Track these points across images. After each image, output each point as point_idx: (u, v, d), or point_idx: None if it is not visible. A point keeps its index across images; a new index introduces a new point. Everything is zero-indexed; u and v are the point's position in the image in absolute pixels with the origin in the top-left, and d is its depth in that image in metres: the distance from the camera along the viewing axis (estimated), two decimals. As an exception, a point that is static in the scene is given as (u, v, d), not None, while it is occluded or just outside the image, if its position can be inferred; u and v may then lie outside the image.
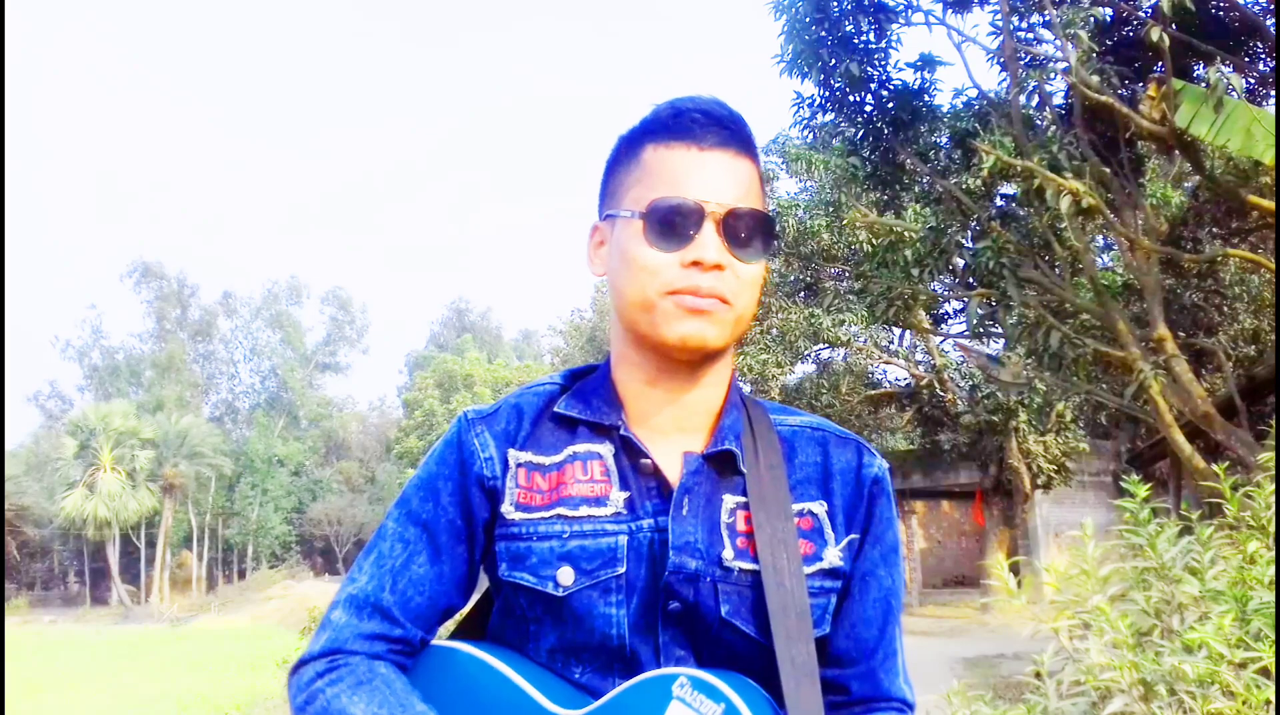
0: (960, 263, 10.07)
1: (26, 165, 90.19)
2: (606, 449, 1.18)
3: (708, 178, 1.14)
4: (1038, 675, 3.65)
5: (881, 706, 1.19)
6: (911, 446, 25.31)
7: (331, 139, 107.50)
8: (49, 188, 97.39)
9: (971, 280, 9.74)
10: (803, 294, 21.14)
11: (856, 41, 9.39)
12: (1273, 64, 9.24)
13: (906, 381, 23.34)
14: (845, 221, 15.52)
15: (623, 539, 1.14)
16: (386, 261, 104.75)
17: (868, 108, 9.83)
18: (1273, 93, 9.30)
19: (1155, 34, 6.79)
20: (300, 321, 60.84)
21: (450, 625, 1.28)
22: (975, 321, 11.04)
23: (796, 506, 1.17)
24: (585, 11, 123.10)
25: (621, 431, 1.17)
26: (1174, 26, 7.36)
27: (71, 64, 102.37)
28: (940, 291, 13.66)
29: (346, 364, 62.26)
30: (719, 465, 1.17)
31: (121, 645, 26.15)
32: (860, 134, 10.15)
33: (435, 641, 1.21)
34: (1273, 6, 9.00)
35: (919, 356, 23.25)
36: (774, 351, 20.79)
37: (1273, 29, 8.97)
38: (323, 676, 1.12)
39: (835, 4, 9.22)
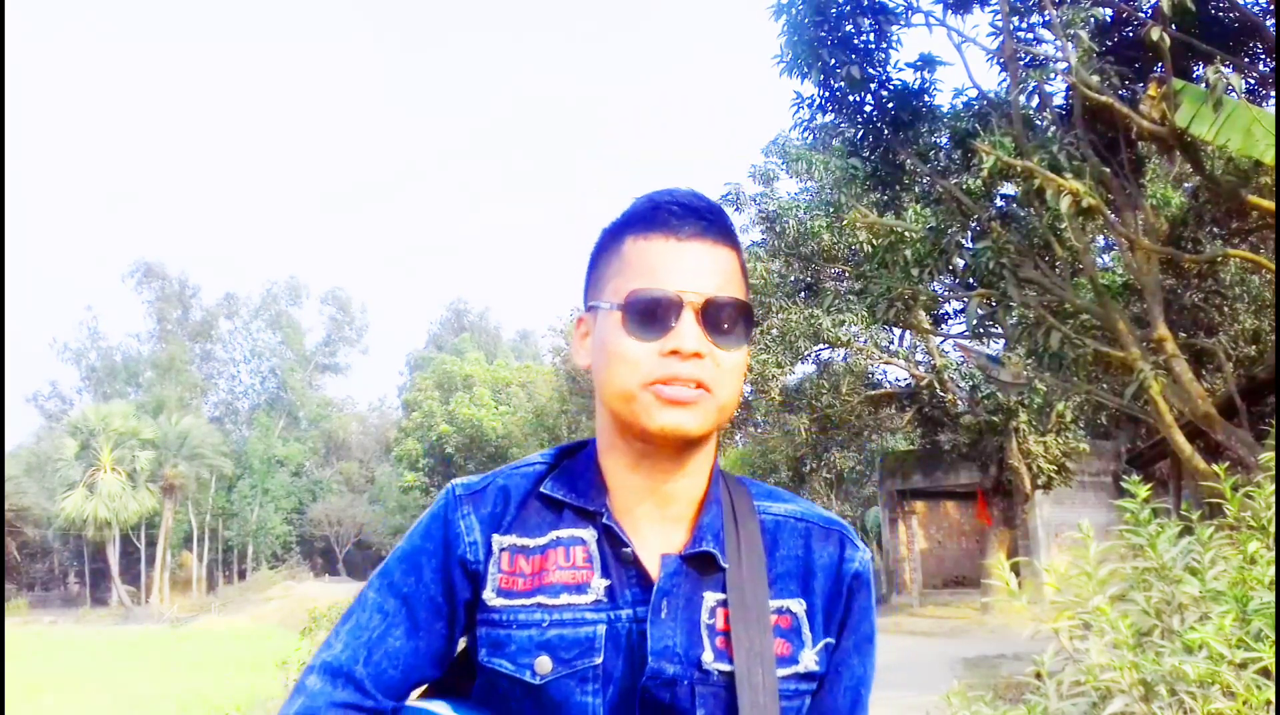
0: (960, 263, 10.06)
1: (25, 165, 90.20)
2: (590, 534, 1.19)
3: (686, 268, 1.16)
4: (1038, 676, 3.65)
5: None
6: (912, 447, 25.30)
7: (331, 139, 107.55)
8: (46, 188, 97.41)
9: (971, 280, 9.73)
10: (803, 294, 21.13)
11: (856, 42, 9.40)
12: (1272, 64, 9.24)
13: (907, 382, 23.33)
14: (845, 222, 15.51)
15: (601, 628, 1.16)
16: (385, 261, 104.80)
17: (868, 108, 9.83)
18: (1272, 93, 9.31)
19: (1155, 34, 6.80)
20: (300, 322, 60.85)
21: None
22: (975, 322, 11.04)
23: (775, 604, 1.19)
24: (584, 12, 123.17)
25: (604, 519, 1.19)
26: (1174, 27, 7.36)
27: (71, 63, 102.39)
28: (940, 292, 13.65)
29: (346, 364, 62.29)
30: (699, 564, 1.19)
31: (122, 646, 26.14)
32: (860, 134, 10.16)
33: (411, 703, 1.22)
34: (1272, 6, 9.00)
35: (919, 357, 23.23)
36: (774, 351, 20.78)
37: (1272, 29, 8.97)
38: None
39: (835, 5, 9.23)
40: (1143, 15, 8.97)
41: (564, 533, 1.19)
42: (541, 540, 1.19)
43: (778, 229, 20.70)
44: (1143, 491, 3.80)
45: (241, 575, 50.50)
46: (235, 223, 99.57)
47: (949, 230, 9.62)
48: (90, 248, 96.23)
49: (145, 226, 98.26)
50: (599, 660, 1.15)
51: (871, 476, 27.80)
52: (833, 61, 9.28)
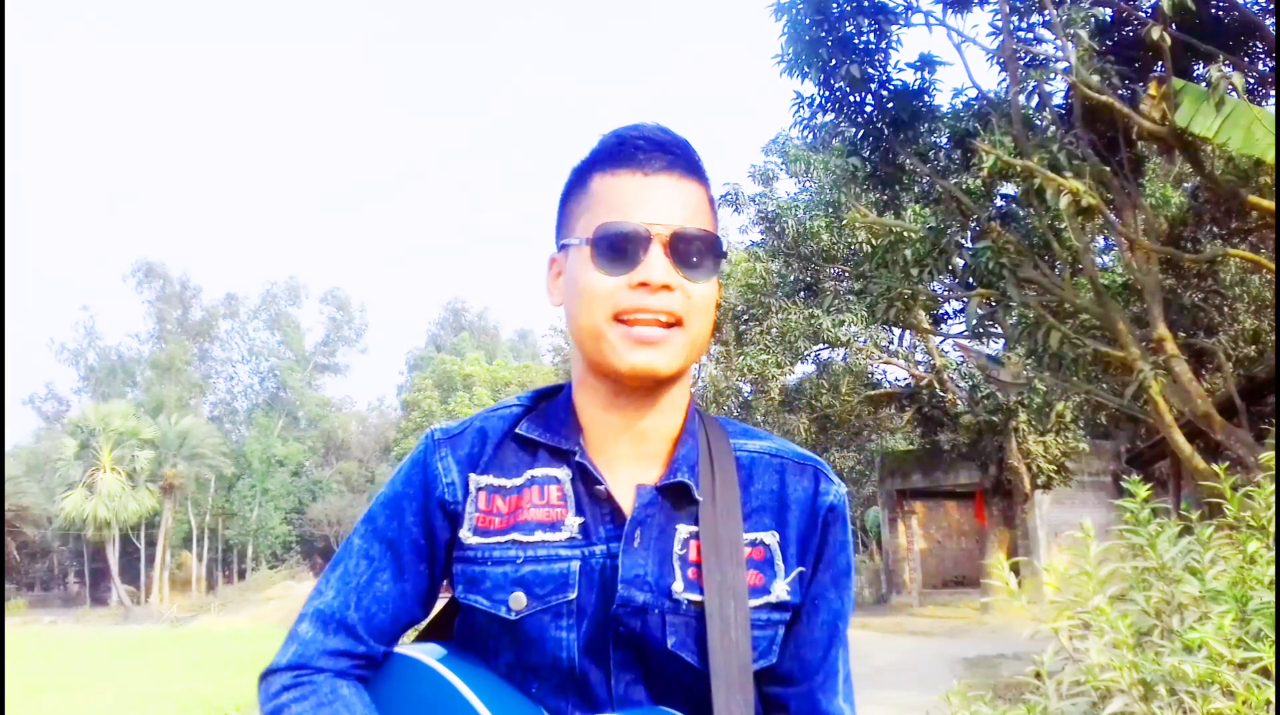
0: (960, 263, 10.06)
1: (25, 165, 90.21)
2: (564, 473, 1.20)
3: (653, 201, 1.16)
4: (1038, 675, 3.65)
5: None
6: (911, 447, 25.29)
7: (331, 139, 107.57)
8: (46, 188, 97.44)
9: (971, 280, 9.73)
10: (803, 294, 21.13)
11: (857, 42, 9.40)
12: (1272, 64, 9.24)
13: (906, 382, 23.33)
14: (845, 222, 15.50)
15: (575, 564, 1.16)
16: (385, 261, 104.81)
17: (868, 108, 9.83)
18: (1272, 93, 9.31)
19: (1155, 33, 6.80)
20: (299, 322, 60.86)
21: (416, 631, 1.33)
22: (975, 322, 11.04)
23: (749, 536, 1.19)
24: (584, 12, 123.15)
25: (578, 457, 1.19)
26: (1174, 26, 7.36)
27: (71, 63, 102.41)
28: (940, 292, 13.64)
29: (345, 364, 62.27)
30: (673, 496, 1.19)
31: (121, 646, 26.12)
32: (860, 134, 10.16)
33: (399, 648, 1.24)
34: (1272, 6, 9.00)
35: (919, 357, 23.24)
36: (774, 351, 20.78)
37: (1272, 29, 8.97)
38: (289, 690, 1.17)
39: (835, 5, 9.23)
40: (1143, 15, 8.97)
41: (539, 472, 1.20)
42: (518, 480, 1.21)
43: (777, 229, 20.70)
44: (1142, 491, 3.80)
45: (241, 575, 50.48)
46: (235, 223, 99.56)
47: (949, 230, 9.62)
48: (90, 248, 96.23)
49: (145, 226, 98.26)
50: (573, 595, 1.16)
51: (871, 476, 27.81)
52: (833, 61, 9.28)
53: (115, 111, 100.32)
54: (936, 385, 21.57)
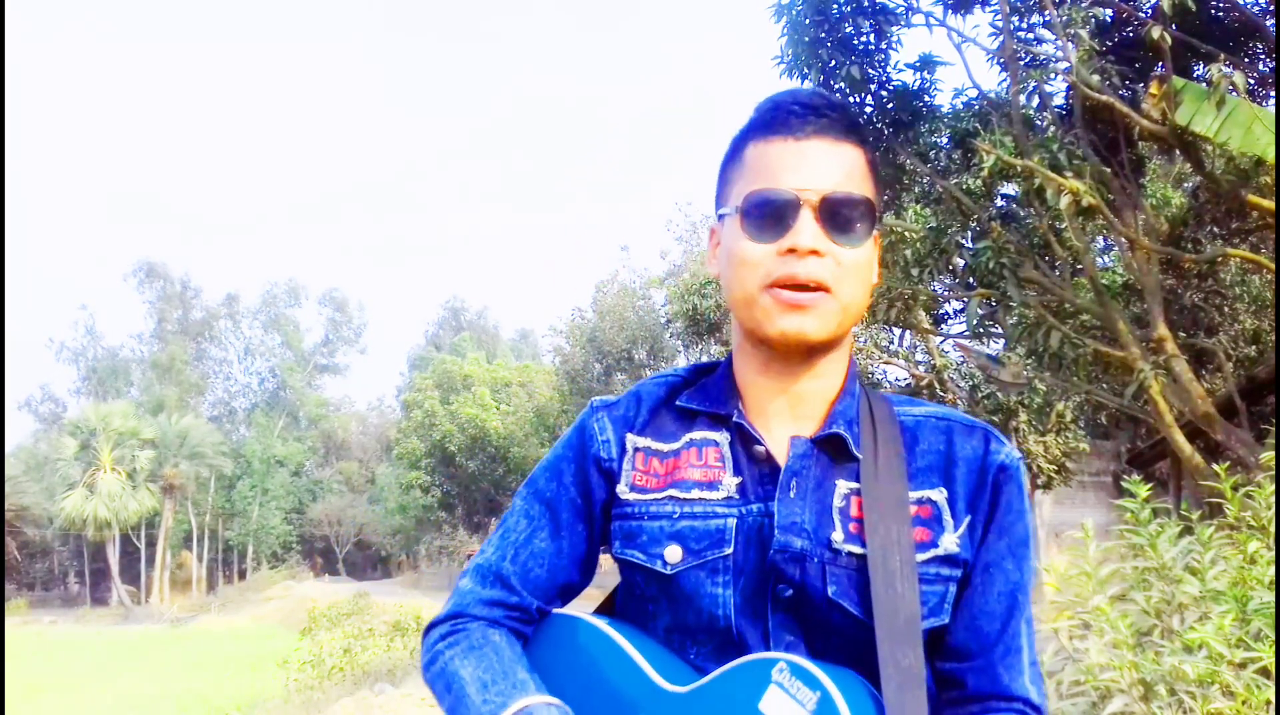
0: (960, 263, 10.05)
1: (24, 165, 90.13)
2: (723, 437, 1.20)
3: (804, 167, 1.14)
4: (1038, 675, 3.63)
5: (1000, 706, 1.15)
6: (912, 447, 25.26)
7: (330, 139, 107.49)
8: (45, 188, 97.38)
9: (971, 280, 9.73)
10: (803, 294, 21.10)
11: (857, 43, 9.39)
12: (1273, 64, 9.24)
13: (906, 382, 23.29)
14: (845, 222, 15.47)
15: (732, 521, 1.15)
16: (384, 261, 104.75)
17: (868, 108, 9.82)
18: (1272, 93, 9.30)
19: (1156, 33, 6.79)
20: (299, 322, 60.85)
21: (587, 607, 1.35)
22: (975, 322, 11.01)
23: (915, 494, 1.16)
24: (584, 11, 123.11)
25: (736, 419, 1.19)
26: (1174, 26, 7.35)
27: (71, 63, 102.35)
28: (940, 292, 13.63)
29: (345, 364, 62.30)
30: (831, 450, 1.18)
31: (121, 646, 26.12)
32: (860, 134, 10.13)
33: (561, 611, 1.27)
34: (1273, 7, 9.00)
35: (919, 357, 23.22)
36: (774, 352, 20.76)
37: (1273, 29, 8.97)
38: (444, 639, 1.22)
39: (835, 6, 9.22)
40: (1143, 15, 8.96)
41: (697, 435, 1.21)
42: (675, 444, 1.22)
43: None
44: (1143, 491, 3.80)
45: (241, 575, 50.50)
46: (235, 223, 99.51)
47: (949, 230, 9.61)
48: (89, 248, 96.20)
49: (145, 227, 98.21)
50: (729, 551, 1.15)
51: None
52: (833, 62, 9.27)
53: (115, 111, 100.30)
54: (937, 385, 21.55)
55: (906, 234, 10.15)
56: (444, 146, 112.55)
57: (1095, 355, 8.73)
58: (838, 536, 1.13)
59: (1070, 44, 7.83)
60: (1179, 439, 8.34)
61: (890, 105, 9.73)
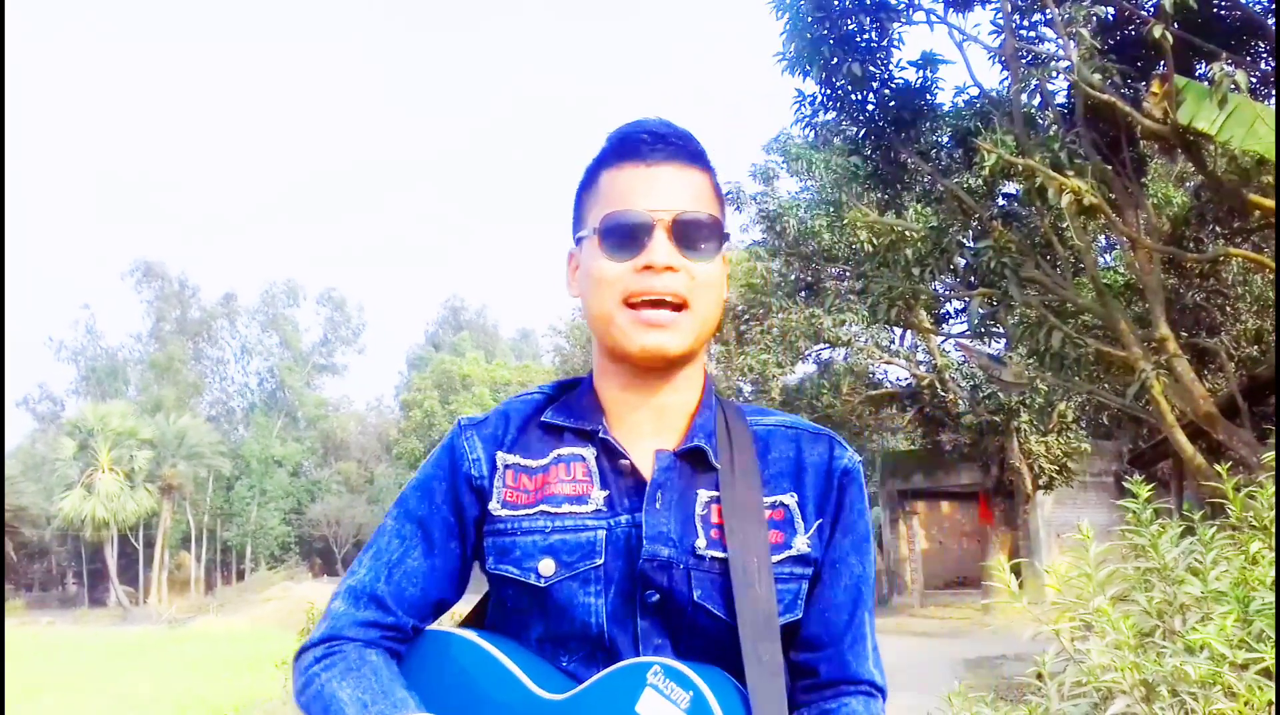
0: (962, 262, 10.04)
1: (24, 165, 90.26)
2: (589, 452, 1.26)
3: (655, 190, 1.22)
4: (1039, 676, 3.62)
5: (849, 690, 1.24)
6: (913, 447, 25.27)
7: (330, 139, 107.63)
8: (44, 188, 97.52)
9: (973, 280, 9.71)
10: (803, 294, 21.11)
11: (858, 40, 9.38)
12: (1273, 63, 9.21)
13: (908, 382, 23.31)
14: (846, 221, 15.48)
15: (601, 533, 1.21)
16: (383, 261, 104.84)
17: (869, 106, 9.80)
18: (1273, 91, 9.27)
19: (1158, 32, 6.78)
20: (297, 322, 60.91)
21: (454, 621, 1.37)
22: (977, 321, 10.99)
23: (769, 499, 1.24)
24: (584, 11, 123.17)
25: (601, 435, 1.25)
26: (1176, 25, 7.33)
27: (72, 63, 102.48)
28: (941, 291, 13.63)
29: (343, 365, 62.33)
30: (692, 461, 1.24)
31: (120, 646, 26.11)
32: (862, 133, 10.13)
33: (434, 627, 1.29)
34: (1273, 6, 8.97)
35: (920, 356, 23.22)
36: (775, 351, 20.77)
37: (1274, 27, 8.95)
38: (319, 662, 1.22)
39: (837, 3, 9.20)
40: (1145, 13, 8.94)
41: (564, 451, 1.26)
42: (543, 460, 1.26)
43: (778, 228, 20.68)
44: (1144, 491, 3.78)
45: (240, 576, 50.48)
46: (234, 222, 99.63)
47: (950, 229, 9.60)
48: (88, 248, 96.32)
49: (145, 226, 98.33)
50: (600, 562, 1.20)
51: (872, 477, 27.75)
52: (834, 59, 9.26)
53: (115, 110, 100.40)
54: (938, 385, 21.54)
55: (907, 233, 10.14)
56: (444, 146, 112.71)
57: (1097, 355, 8.71)
58: (701, 543, 1.20)
59: (1072, 42, 7.82)
60: (1181, 439, 8.32)
61: (892, 103, 9.71)
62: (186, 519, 47.20)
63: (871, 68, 9.47)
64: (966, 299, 10.73)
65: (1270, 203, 7.80)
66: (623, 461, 1.23)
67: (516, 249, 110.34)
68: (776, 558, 1.21)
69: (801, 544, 1.23)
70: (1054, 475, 20.34)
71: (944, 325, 18.60)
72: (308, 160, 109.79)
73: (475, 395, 39.99)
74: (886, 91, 9.71)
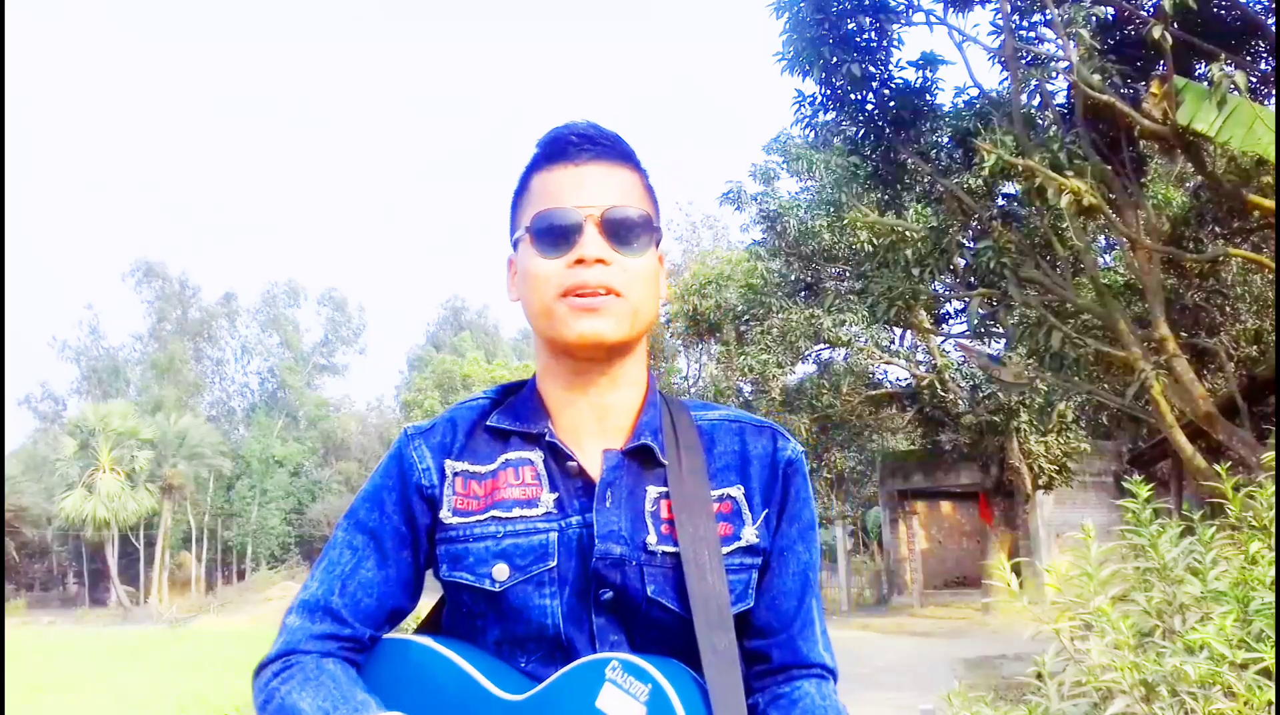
0: (961, 262, 10.05)
1: (23, 165, 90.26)
2: (536, 455, 1.27)
3: (585, 188, 1.24)
4: (1039, 676, 3.63)
5: (801, 673, 1.27)
6: (912, 447, 25.25)
7: (330, 139, 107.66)
8: (40, 188, 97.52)
9: (973, 280, 9.72)
10: (803, 294, 21.11)
11: (858, 40, 9.38)
12: (1273, 63, 9.22)
13: (907, 382, 23.29)
14: (846, 221, 15.49)
15: (553, 535, 1.22)
16: (383, 260, 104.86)
17: (869, 106, 9.81)
18: (1273, 92, 9.28)
19: (1157, 32, 6.78)
20: (298, 322, 60.89)
21: (411, 625, 1.37)
22: (976, 321, 11.01)
23: (716, 492, 1.26)
24: (585, 11, 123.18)
25: (547, 437, 1.26)
26: (1175, 25, 7.33)
27: (70, 63, 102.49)
28: (941, 291, 13.63)
29: (344, 365, 62.29)
30: (640, 459, 1.26)
31: (120, 646, 26.12)
32: (861, 133, 10.13)
33: (391, 635, 1.29)
34: (1273, 6, 8.98)
35: (920, 357, 23.21)
36: (774, 351, 20.76)
37: (1273, 28, 8.95)
38: (277, 676, 1.22)
39: (836, 3, 9.21)
40: (1144, 14, 8.94)
41: (512, 456, 1.27)
42: (491, 466, 1.27)
43: (778, 228, 20.67)
44: (1144, 491, 3.79)
45: (240, 575, 50.46)
46: (234, 222, 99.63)
47: (950, 229, 9.60)
48: (88, 247, 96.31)
49: (145, 226, 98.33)
50: (553, 564, 1.21)
51: (872, 476, 27.77)
52: (834, 60, 9.26)
53: (115, 111, 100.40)
54: (938, 385, 21.54)
55: (907, 233, 10.14)
56: (444, 145, 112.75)
57: (1096, 355, 8.72)
58: (651, 539, 1.22)
59: (1071, 43, 7.82)
60: (1180, 439, 8.33)
61: (892, 103, 9.72)
62: (187, 519, 47.17)
63: (871, 68, 9.47)
64: (966, 299, 10.74)
65: (1270, 203, 7.81)
66: (570, 463, 1.24)
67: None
68: (726, 549, 1.23)
69: (750, 535, 1.25)
70: (1054, 475, 20.33)
71: (944, 325, 18.61)
72: (308, 160, 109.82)
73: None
74: (886, 92, 9.71)
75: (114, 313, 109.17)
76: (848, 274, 19.32)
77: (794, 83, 9.93)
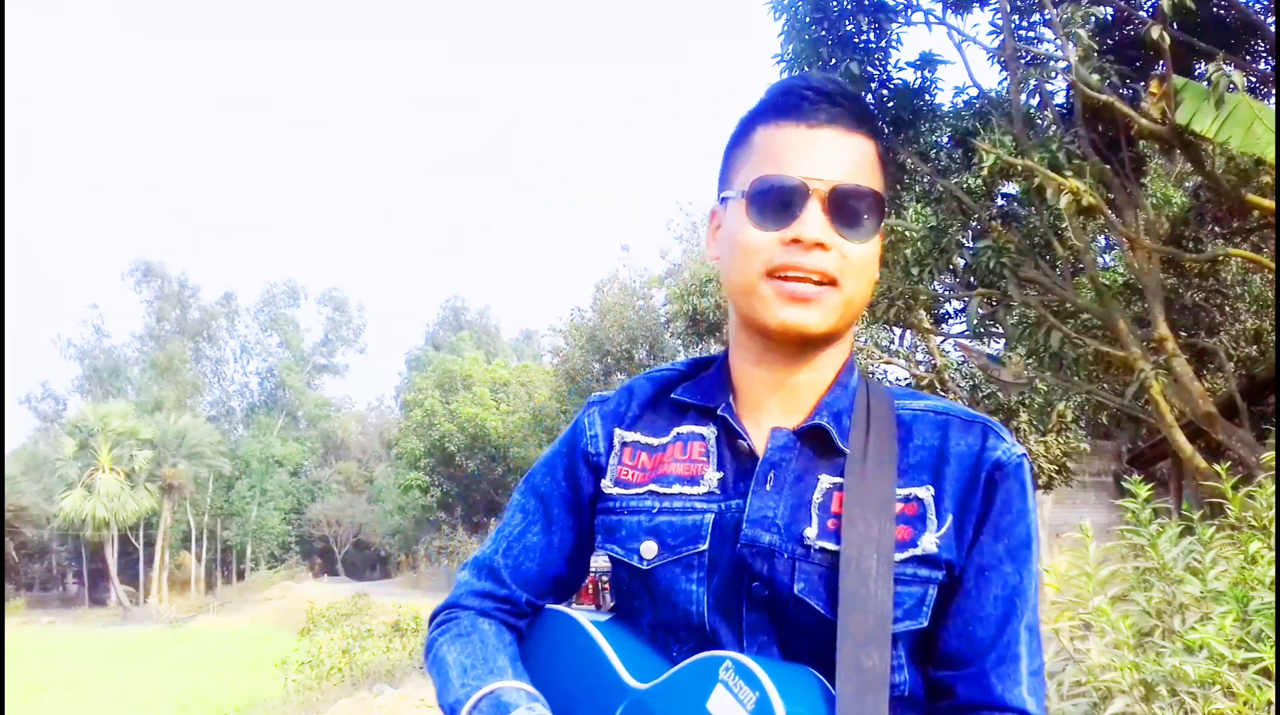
0: (961, 262, 10.04)
1: (23, 165, 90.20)
2: (710, 431, 1.19)
3: (814, 155, 1.12)
4: (1039, 676, 3.62)
5: None
6: (912, 447, 25.23)
7: (328, 138, 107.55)
8: (39, 189, 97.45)
9: (972, 280, 9.71)
10: (803, 294, 21.08)
11: (856, 40, 9.38)
12: (1273, 63, 9.22)
13: (907, 381, 23.29)
14: (845, 221, 15.43)
15: (709, 517, 1.14)
16: (383, 260, 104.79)
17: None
18: (1273, 92, 9.28)
19: (1156, 32, 6.78)
20: (298, 322, 60.88)
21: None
22: (976, 321, 11.00)
23: (902, 491, 1.11)
24: (585, 11, 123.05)
25: (721, 412, 1.18)
26: (1174, 25, 7.33)
27: (70, 63, 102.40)
28: (941, 291, 13.62)
29: (344, 364, 62.30)
30: (815, 443, 1.15)
31: (120, 646, 26.10)
32: (860, 133, 10.10)
33: (555, 606, 1.31)
34: (1273, 6, 8.98)
35: (919, 356, 23.20)
36: (774, 352, 20.73)
37: (1273, 28, 8.96)
38: (438, 627, 1.28)
39: (835, 3, 9.21)
40: (1143, 14, 8.95)
41: (685, 429, 1.21)
42: (664, 439, 1.21)
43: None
44: (1144, 491, 3.79)
45: (240, 575, 50.48)
46: (234, 222, 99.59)
47: (949, 229, 9.59)
48: (88, 247, 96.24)
49: (144, 226, 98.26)
50: (704, 547, 1.13)
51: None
52: (832, 60, 9.26)
53: (115, 111, 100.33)
54: (937, 385, 21.52)
55: (907, 233, 10.14)
56: (444, 145, 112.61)
57: (1096, 355, 8.71)
58: (811, 532, 1.09)
59: (1070, 43, 7.82)
60: (1180, 439, 8.32)
61: (890, 104, 9.72)
62: (187, 519, 47.17)
63: (870, 68, 9.47)
64: (966, 299, 10.73)
65: (1269, 203, 7.80)
66: (740, 441, 1.15)
67: (518, 249, 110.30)
68: (900, 556, 1.07)
69: (930, 543, 1.09)
70: (1053, 475, 20.31)
71: (943, 325, 18.59)
72: (308, 160, 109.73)
73: (475, 395, 39.94)
74: (885, 92, 9.71)
75: (114, 312, 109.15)
76: (847, 274, 19.27)
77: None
